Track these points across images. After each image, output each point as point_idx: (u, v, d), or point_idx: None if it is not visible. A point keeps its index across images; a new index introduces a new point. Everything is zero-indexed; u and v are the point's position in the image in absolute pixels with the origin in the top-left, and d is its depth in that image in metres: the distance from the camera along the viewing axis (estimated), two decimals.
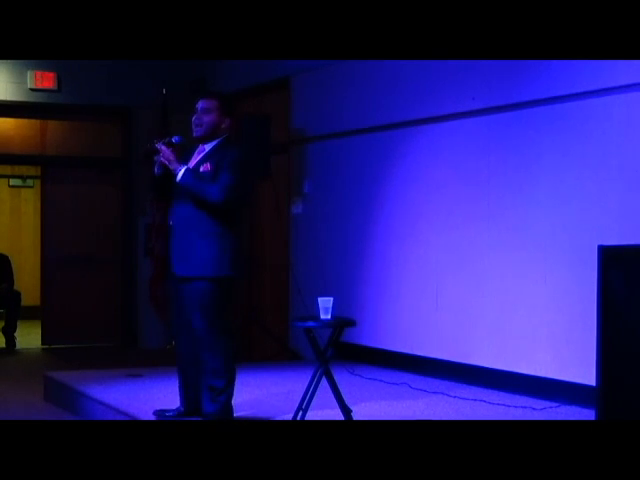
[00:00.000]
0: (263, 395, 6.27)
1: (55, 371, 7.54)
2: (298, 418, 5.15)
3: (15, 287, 10.68)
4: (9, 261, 10.91)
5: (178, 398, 5.47)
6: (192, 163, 5.28)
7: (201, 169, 5.21)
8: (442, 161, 7.02)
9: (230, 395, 5.24)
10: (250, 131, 8.29)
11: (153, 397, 6.13)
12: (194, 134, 5.31)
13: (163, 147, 5.22)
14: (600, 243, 4.54)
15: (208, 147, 5.30)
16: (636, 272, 4.34)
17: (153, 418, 5.45)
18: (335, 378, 5.23)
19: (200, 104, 5.30)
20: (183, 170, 5.16)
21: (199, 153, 5.33)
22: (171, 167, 5.19)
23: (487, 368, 6.54)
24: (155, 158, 5.28)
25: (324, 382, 5.18)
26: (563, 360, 5.99)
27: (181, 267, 5.23)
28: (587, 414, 5.40)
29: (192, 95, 10.00)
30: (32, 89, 9.84)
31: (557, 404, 5.87)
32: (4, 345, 10.24)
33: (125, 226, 10.46)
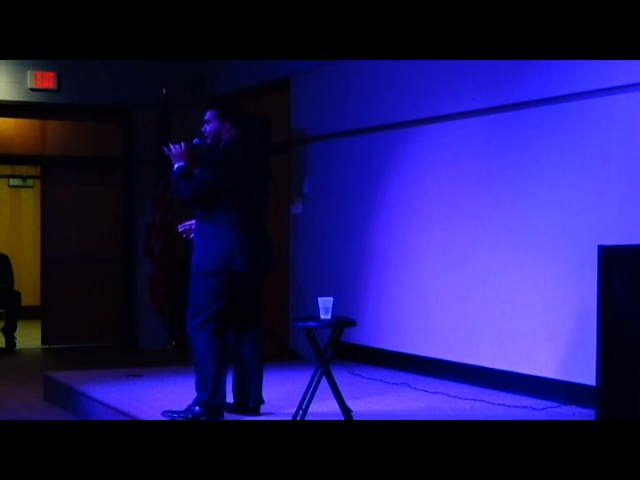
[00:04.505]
0: (263, 395, 6.26)
1: (55, 371, 7.54)
2: (298, 418, 5.15)
3: (15, 287, 10.68)
4: (9, 261, 10.90)
5: (188, 397, 5.49)
6: None
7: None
8: (442, 161, 7.02)
9: (216, 389, 5.29)
10: (250, 131, 8.28)
11: (153, 397, 6.13)
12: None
13: (182, 144, 5.46)
14: (600, 243, 4.55)
15: None
16: (636, 272, 4.35)
17: (153, 418, 5.43)
18: (335, 378, 5.23)
19: (205, 115, 5.52)
20: (176, 166, 5.43)
21: None
22: (173, 161, 5.46)
23: (487, 368, 6.53)
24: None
25: (324, 382, 5.18)
26: (563, 360, 5.99)
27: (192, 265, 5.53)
28: (587, 414, 5.40)
29: (192, 95, 10.04)
30: (32, 89, 9.83)
31: (557, 404, 5.87)
32: (4, 345, 10.23)
33: (125, 226, 10.45)
